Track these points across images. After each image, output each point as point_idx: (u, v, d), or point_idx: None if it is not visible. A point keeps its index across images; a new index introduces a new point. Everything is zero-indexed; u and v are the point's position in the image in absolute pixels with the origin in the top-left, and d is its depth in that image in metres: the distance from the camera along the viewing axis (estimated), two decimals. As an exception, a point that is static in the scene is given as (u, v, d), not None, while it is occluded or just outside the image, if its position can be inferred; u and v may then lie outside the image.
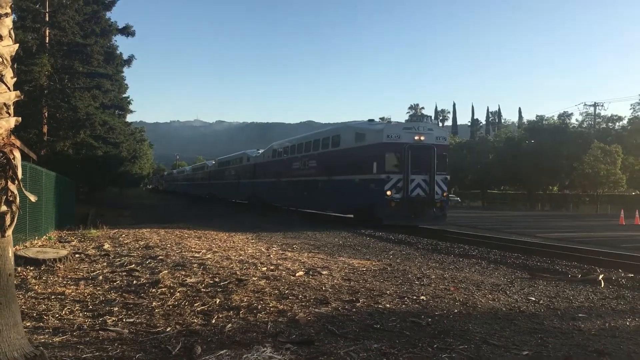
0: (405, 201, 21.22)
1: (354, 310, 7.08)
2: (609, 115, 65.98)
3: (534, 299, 8.34)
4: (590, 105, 65.17)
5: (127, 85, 45.14)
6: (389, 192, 21.07)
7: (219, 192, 52.54)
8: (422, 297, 8.02)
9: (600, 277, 10.36)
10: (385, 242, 17.03)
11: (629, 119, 63.45)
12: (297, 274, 9.69)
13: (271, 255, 12.41)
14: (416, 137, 21.57)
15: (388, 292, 8.36)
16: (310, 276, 9.61)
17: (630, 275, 10.87)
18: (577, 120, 66.97)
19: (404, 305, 7.48)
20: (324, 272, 10.02)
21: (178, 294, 7.72)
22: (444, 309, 7.32)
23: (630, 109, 70.99)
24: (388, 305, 7.41)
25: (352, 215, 25.34)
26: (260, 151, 39.98)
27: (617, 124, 64.36)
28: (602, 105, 64.76)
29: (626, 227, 27.00)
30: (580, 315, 7.31)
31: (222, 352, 5.13)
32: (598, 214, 42.86)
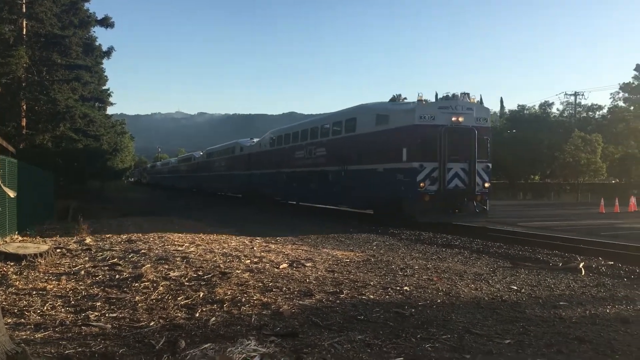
0: (441, 194, 18.09)
1: (338, 301, 7.10)
2: (589, 104, 66.71)
3: (515, 287, 8.43)
4: (570, 95, 65.75)
5: (107, 77, 44.73)
6: (422, 184, 17.95)
7: (207, 185, 50.30)
8: (405, 288, 8.07)
9: (581, 265, 10.50)
10: (369, 233, 17.09)
11: (608, 108, 64.10)
12: (281, 267, 9.69)
13: (255, 248, 12.38)
14: (454, 118, 18.35)
15: (372, 283, 8.40)
16: (294, 268, 9.61)
17: (610, 263, 11.03)
18: (558, 110, 67.47)
19: (387, 296, 7.52)
20: (308, 264, 10.02)
21: (161, 288, 7.68)
22: (427, 299, 7.37)
23: (610, 98, 71.80)
24: (372, 296, 7.45)
25: (371, 211, 22.30)
26: (255, 140, 37.29)
27: (597, 113, 65.05)
28: (583, 95, 65.53)
29: (606, 215, 27.37)
30: (561, 303, 7.40)
31: (206, 345, 5.11)
32: (579, 203, 43.39)
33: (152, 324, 5.93)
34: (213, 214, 25.97)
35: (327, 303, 7.00)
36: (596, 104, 66.07)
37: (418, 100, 18.83)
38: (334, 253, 11.92)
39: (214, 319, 6.11)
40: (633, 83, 65.53)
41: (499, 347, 5.34)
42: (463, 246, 14.03)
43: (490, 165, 19.35)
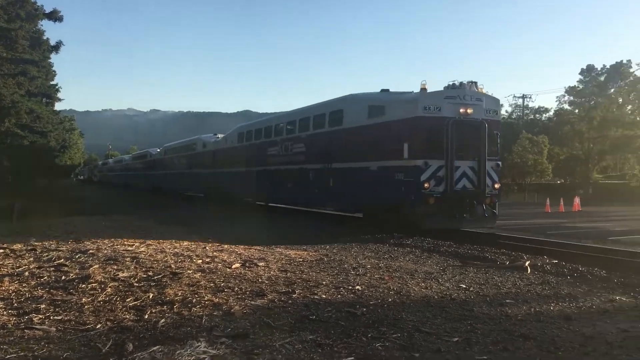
0: (448, 196, 15.89)
1: (290, 301, 7.10)
2: (537, 107, 68.73)
3: (464, 286, 8.61)
4: (519, 97, 67.67)
5: (55, 72, 43.42)
6: (426, 184, 15.69)
7: (166, 184, 46.84)
8: (357, 287, 8.13)
9: (527, 263, 10.80)
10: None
11: (555, 110, 66.26)
12: (233, 266, 9.61)
13: (207, 248, 12.26)
14: (462, 110, 16.09)
15: (324, 282, 8.43)
16: (247, 268, 9.56)
17: (554, 261, 11.38)
18: (506, 112, 69.34)
19: (339, 296, 7.56)
20: (261, 264, 9.98)
21: (109, 289, 7.51)
22: (379, 298, 7.45)
23: (556, 101, 74.26)
24: (324, 296, 7.48)
25: (359, 215, 20.13)
26: (220, 136, 34.54)
27: (544, 115, 67.14)
28: (530, 97, 67.35)
29: (551, 215, 28.24)
30: (507, 301, 7.61)
31: (154, 348, 5.03)
32: (526, 202, 44.65)
33: (98, 326, 5.80)
34: (168, 214, 25.50)
35: (279, 303, 6.99)
36: (543, 107, 68.25)
37: (421, 89, 16.63)
38: (287, 252, 11.91)
39: (163, 320, 6.02)
40: (578, 87, 67.89)
41: (447, 345, 5.44)
42: (414, 245, 14.23)
43: (500, 163, 17.41)
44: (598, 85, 57.12)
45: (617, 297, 7.99)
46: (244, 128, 29.74)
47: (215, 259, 10.42)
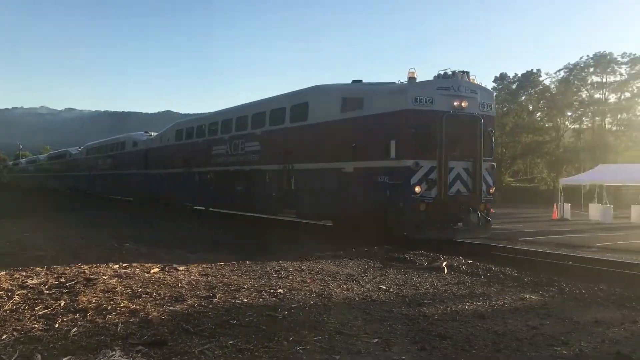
0: (441, 202, 13.82)
1: (211, 306, 6.98)
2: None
3: (384, 287, 8.76)
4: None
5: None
6: (417, 188, 13.61)
7: (88, 186, 43.59)
8: (279, 290, 8.10)
9: (444, 264, 11.15)
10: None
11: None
12: (152, 271, 9.35)
13: (124, 252, 11.86)
14: (456, 103, 14.09)
15: (246, 286, 8.35)
16: (166, 272, 9.33)
17: (469, 261, 11.79)
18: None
19: (261, 299, 7.51)
20: (181, 268, 9.77)
21: (17, 297, 7.10)
22: (301, 301, 7.46)
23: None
24: (245, 300, 7.40)
25: (329, 223, 17.40)
26: (154, 134, 32.02)
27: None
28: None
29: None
30: (425, 301, 7.81)
31: (65, 358, 4.80)
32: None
33: (4, 337, 5.46)
34: (87, 217, 24.42)
35: (199, 308, 6.85)
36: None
37: (410, 79, 14.49)
38: (207, 255, 11.71)
39: (75, 329, 5.75)
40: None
41: (367, 347, 5.51)
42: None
43: (494, 165, 15.53)
44: (510, 92, 59.83)
45: (527, 296, 8.38)
46: (184, 125, 27.25)
47: (133, 264, 10.09)
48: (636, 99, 52.38)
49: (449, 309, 7.38)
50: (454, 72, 14.43)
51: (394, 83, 15.43)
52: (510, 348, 5.61)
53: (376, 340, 5.73)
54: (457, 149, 14.28)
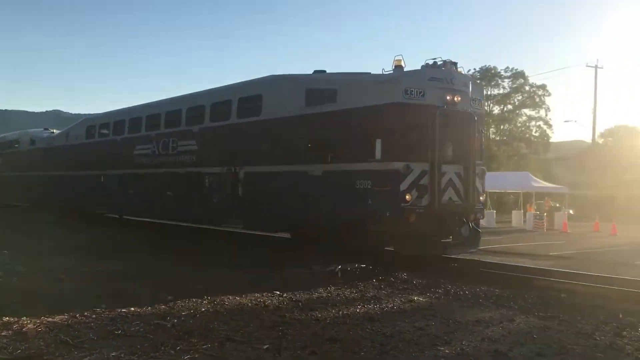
0: (433, 212, 11.82)
1: (94, 316, 6.63)
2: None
3: (278, 292, 8.73)
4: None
5: None
6: (407, 196, 11.59)
7: None
8: (169, 297, 7.85)
9: (338, 268, 11.31)
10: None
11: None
12: (30, 279, 8.75)
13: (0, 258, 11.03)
14: (449, 97, 12.06)
15: (136, 293, 8.02)
16: (48, 280, 8.76)
17: (362, 266, 12.02)
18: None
19: (149, 308, 7.23)
20: (63, 276, 9.22)
21: None
22: (192, 309, 7.27)
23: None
24: (133, 309, 7.10)
25: (286, 235, 15.13)
26: (56, 131, 28.51)
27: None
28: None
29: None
30: (318, 305, 7.88)
31: None
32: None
33: None
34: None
35: (81, 318, 6.49)
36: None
37: (396, 67, 12.47)
38: (94, 263, 11.16)
39: (-64, 345, 5.24)
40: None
41: (257, 353, 5.46)
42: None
43: (485, 169, 13.65)
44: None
45: (415, 298, 8.69)
46: (97, 120, 23.92)
47: (10, 272, 9.40)
48: (517, 111, 56.05)
49: (340, 312, 7.48)
50: (444, 61, 12.57)
51: (369, 73, 13.30)
52: (397, 349, 5.77)
53: (267, 345, 5.69)
54: (449, 150, 12.44)
